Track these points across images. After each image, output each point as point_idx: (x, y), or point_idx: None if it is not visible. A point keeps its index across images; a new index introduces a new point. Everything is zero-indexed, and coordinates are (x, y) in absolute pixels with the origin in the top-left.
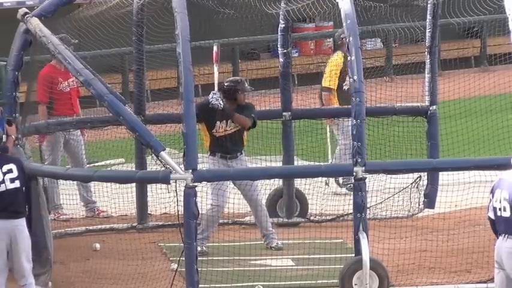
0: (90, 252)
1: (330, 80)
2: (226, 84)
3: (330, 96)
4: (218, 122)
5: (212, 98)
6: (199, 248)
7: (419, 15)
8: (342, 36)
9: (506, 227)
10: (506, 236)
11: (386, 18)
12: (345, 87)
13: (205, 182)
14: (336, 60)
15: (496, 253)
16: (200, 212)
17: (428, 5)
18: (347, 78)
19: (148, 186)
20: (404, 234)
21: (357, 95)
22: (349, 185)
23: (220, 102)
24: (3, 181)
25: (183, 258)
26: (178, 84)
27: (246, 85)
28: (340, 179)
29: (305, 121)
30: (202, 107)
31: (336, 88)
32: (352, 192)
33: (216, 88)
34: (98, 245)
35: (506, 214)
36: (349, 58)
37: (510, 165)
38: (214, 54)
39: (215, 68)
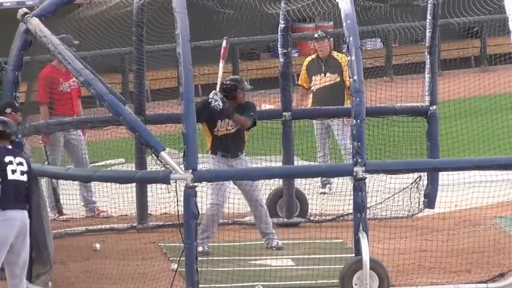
0: (90, 252)
1: (300, 80)
2: (226, 83)
3: (302, 96)
4: (219, 121)
5: (212, 98)
6: (200, 248)
7: (419, 15)
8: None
9: None
10: None
11: (386, 18)
12: (312, 89)
13: (205, 182)
14: (306, 60)
15: None
16: (200, 212)
17: (428, 5)
18: (313, 79)
19: (148, 186)
20: (404, 234)
21: (357, 95)
22: (324, 181)
23: (220, 103)
24: (15, 171)
25: (183, 258)
26: (178, 84)
27: (246, 84)
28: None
29: (305, 121)
30: (203, 106)
31: (308, 87)
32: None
33: (217, 87)
34: (98, 245)
35: None
36: (348, 58)
37: None
38: (222, 49)
39: (220, 65)
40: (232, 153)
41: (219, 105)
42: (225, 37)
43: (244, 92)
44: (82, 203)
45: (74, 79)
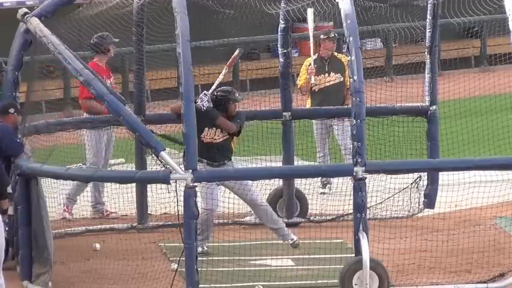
0: (90, 252)
1: (299, 80)
2: (217, 93)
3: (303, 97)
4: (206, 129)
5: (199, 98)
6: (200, 249)
7: (419, 15)
8: (322, 37)
9: None
10: None
11: (386, 18)
12: (315, 88)
13: (205, 182)
14: (306, 61)
15: None
16: (200, 212)
17: (428, 5)
18: (316, 78)
19: (148, 186)
20: (404, 234)
21: (357, 95)
22: (324, 181)
23: (205, 104)
24: None
25: (183, 258)
26: (178, 84)
27: (237, 95)
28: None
29: (305, 121)
30: None
31: (307, 88)
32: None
33: (210, 90)
34: (97, 245)
35: None
36: (349, 58)
37: None
38: (232, 58)
39: (224, 71)
40: (218, 162)
41: (204, 105)
42: (239, 48)
43: (235, 104)
44: (91, 204)
45: (112, 79)
